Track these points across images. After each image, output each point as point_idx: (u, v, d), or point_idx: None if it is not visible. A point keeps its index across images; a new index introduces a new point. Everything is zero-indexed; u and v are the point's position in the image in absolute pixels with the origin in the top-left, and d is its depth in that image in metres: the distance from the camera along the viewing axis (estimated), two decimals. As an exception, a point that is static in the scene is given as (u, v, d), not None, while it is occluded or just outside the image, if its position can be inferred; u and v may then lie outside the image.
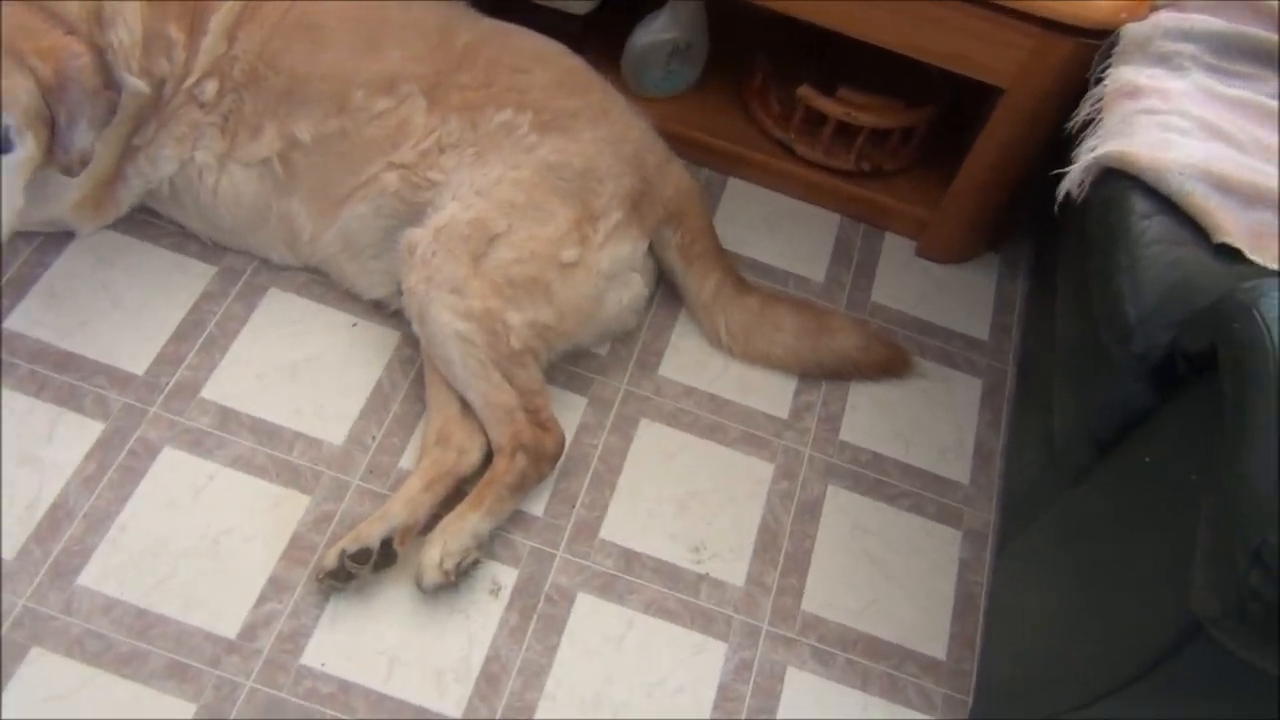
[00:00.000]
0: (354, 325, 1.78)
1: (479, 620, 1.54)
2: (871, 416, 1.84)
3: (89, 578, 1.48)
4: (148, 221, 1.81)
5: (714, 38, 2.06)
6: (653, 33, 1.99)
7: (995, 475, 1.80)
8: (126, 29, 1.60)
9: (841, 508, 1.73)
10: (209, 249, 1.81)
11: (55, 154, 1.53)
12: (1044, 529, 1.49)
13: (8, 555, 1.47)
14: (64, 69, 1.48)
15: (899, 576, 1.68)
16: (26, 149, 1.49)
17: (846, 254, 2.05)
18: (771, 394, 1.84)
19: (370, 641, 1.50)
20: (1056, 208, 1.43)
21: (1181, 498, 1.05)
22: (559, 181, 1.68)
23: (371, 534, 1.51)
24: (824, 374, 1.87)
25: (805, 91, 1.96)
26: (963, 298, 2.03)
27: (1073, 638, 1.29)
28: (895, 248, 2.08)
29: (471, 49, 1.73)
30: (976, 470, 1.82)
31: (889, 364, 1.88)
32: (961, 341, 1.97)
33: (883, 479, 1.78)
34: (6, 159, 1.47)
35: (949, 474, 1.80)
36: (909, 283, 2.04)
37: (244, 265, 1.80)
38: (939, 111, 2.00)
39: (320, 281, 1.81)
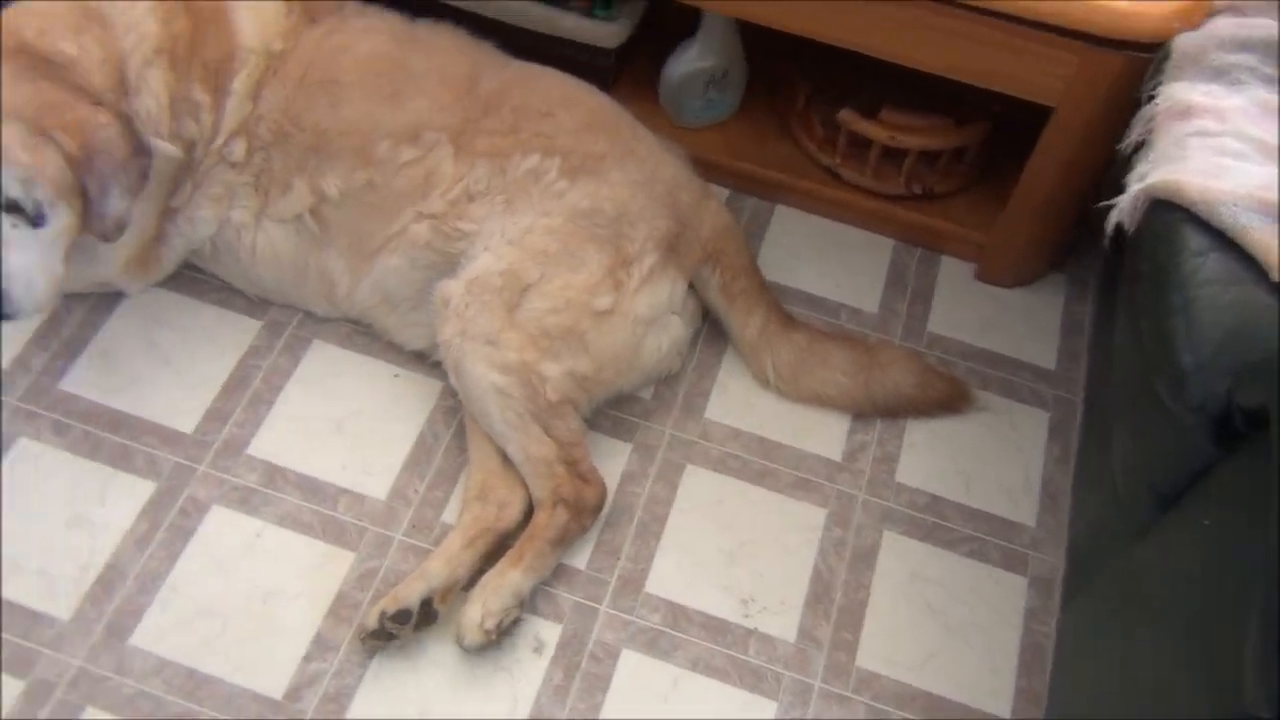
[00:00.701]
0: (396, 376, 1.78)
1: (522, 678, 1.52)
2: (930, 456, 1.77)
3: (141, 638, 1.50)
4: (194, 278, 1.84)
5: (752, 62, 2.01)
6: (687, 62, 1.94)
7: (1064, 517, 1.71)
8: (152, 95, 1.62)
9: (898, 555, 1.66)
10: (254, 303, 1.82)
11: (91, 222, 1.55)
12: (1111, 580, 1.40)
13: (64, 616, 1.51)
14: (91, 140, 1.49)
15: (960, 628, 1.60)
16: (61, 220, 1.51)
17: (901, 281, 1.98)
18: (823, 435, 1.77)
19: (414, 701, 1.49)
20: (1107, 240, 1.34)
21: (1240, 571, 0.96)
22: (591, 227, 1.65)
23: (411, 594, 1.50)
24: (878, 412, 1.80)
25: (846, 116, 1.89)
26: (1027, 323, 1.94)
27: (1137, 706, 1.21)
28: (953, 272, 1.99)
29: (497, 94, 1.71)
30: (1044, 511, 1.73)
31: (947, 399, 1.80)
32: (1027, 371, 1.88)
33: (942, 523, 1.70)
34: (42, 232, 1.50)
35: (1014, 516, 1.72)
36: (968, 309, 1.95)
37: (288, 318, 1.82)
38: (990, 129, 1.91)
39: (363, 332, 1.81)
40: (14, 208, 1.46)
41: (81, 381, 1.72)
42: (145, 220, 1.68)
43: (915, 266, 2.00)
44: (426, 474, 1.69)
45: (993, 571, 1.66)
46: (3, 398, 1.68)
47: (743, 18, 1.76)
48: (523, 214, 1.65)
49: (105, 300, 1.80)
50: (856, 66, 1.81)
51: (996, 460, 1.77)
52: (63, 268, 1.55)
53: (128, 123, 1.55)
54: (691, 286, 1.77)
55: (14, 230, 1.47)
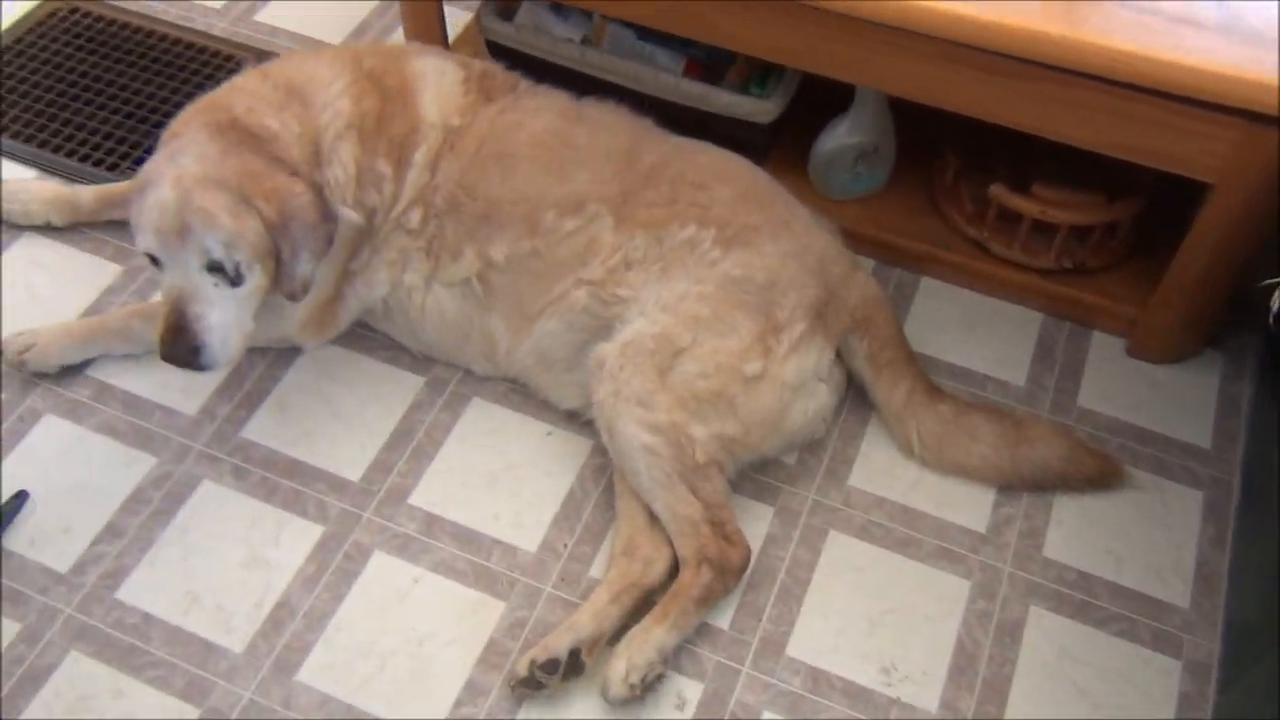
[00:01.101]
0: (549, 434, 1.85)
1: (664, 734, 1.55)
2: (1078, 531, 1.74)
3: (306, 674, 1.59)
4: (364, 335, 1.96)
5: (901, 136, 2.05)
6: (838, 138, 2.00)
7: (1219, 600, 1.66)
8: (341, 166, 1.75)
9: (1045, 631, 1.64)
10: (419, 360, 1.93)
11: (281, 282, 1.68)
12: (1273, 668, 1.36)
13: (237, 649, 1.61)
14: (287, 208, 1.63)
15: (1109, 710, 1.56)
16: (255, 280, 1.65)
17: (1050, 355, 1.97)
18: (968, 506, 1.77)
19: (558, 751, 1.54)
20: (1272, 319, 1.32)
21: None
22: (742, 295, 1.70)
23: (560, 645, 1.56)
24: (1025, 485, 1.79)
25: (997, 191, 1.91)
26: (1181, 400, 1.90)
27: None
28: (1104, 347, 1.97)
29: (656, 168, 1.80)
30: (1198, 593, 1.68)
31: (1097, 475, 1.78)
32: (1180, 449, 1.84)
33: (1091, 600, 1.67)
34: (238, 291, 1.64)
35: (1166, 596, 1.67)
36: (1120, 385, 1.92)
37: (450, 376, 1.92)
38: (1144, 204, 1.90)
39: (519, 391, 1.90)
40: (217, 268, 1.60)
41: (261, 430, 1.85)
42: (325, 282, 1.81)
43: (1064, 341, 1.98)
44: (575, 529, 1.75)
45: (1144, 653, 1.62)
46: (191, 443, 1.83)
47: (900, 95, 1.80)
48: (677, 281, 1.72)
49: (283, 355, 1.94)
50: (1007, 141, 1.83)
51: (1147, 539, 1.73)
52: (252, 324, 1.69)
53: (319, 191, 1.68)
54: (838, 355, 1.81)
55: (215, 289, 1.61)
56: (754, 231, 1.74)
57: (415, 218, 1.80)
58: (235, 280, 1.62)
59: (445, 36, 2.16)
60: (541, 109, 1.84)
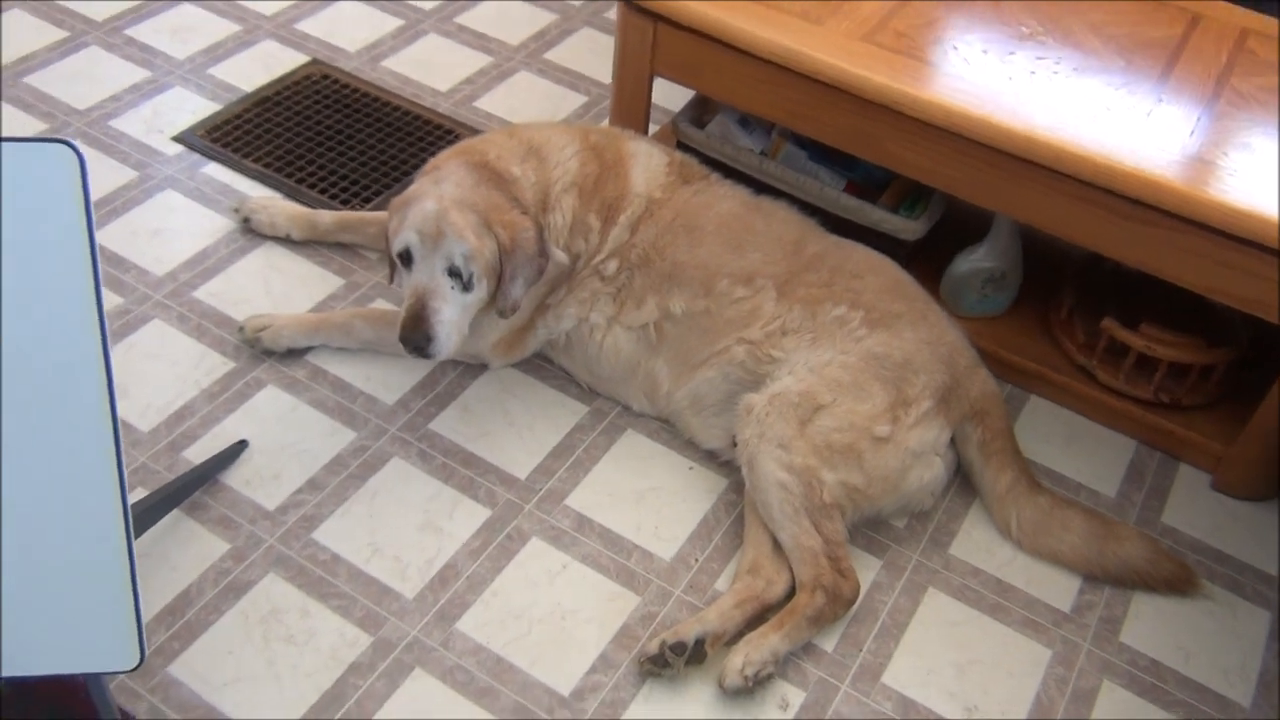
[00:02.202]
0: (690, 468, 2.12)
1: (766, 729, 1.76)
2: (1154, 624, 1.94)
3: (464, 625, 1.84)
4: (540, 365, 2.27)
5: (1027, 268, 2.34)
6: (972, 261, 2.31)
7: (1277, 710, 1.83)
8: (561, 214, 2.10)
9: (1115, 703, 1.82)
10: (584, 392, 2.23)
11: (497, 300, 2.02)
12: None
13: (408, 595, 1.87)
14: (517, 238, 1.97)
15: (1169, 776, 1.73)
16: (479, 293, 1.99)
17: (1139, 477, 2.19)
18: (1055, 588, 1.98)
19: (672, 727, 1.75)
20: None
21: None
22: (880, 369, 1.98)
23: (689, 632, 1.79)
24: (1108, 579, 1.99)
25: (1109, 324, 2.18)
26: (1258, 533, 2.10)
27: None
28: (1189, 477, 2.19)
29: (818, 256, 2.12)
30: (1260, 698, 1.85)
31: (1175, 580, 1.98)
32: (1254, 574, 2.04)
33: (1160, 685, 1.85)
34: (466, 297, 1.97)
35: (1230, 694, 1.85)
36: (1201, 511, 2.14)
37: (610, 408, 2.21)
38: (1239, 350, 2.16)
39: (667, 429, 2.18)
40: (455, 274, 1.94)
41: (446, 425, 2.15)
42: (523, 310, 2.14)
43: (1154, 467, 2.21)
44: (706, 548, 1.99)
45: (1206, 738, 1.79)
46: (387, 426, 2.13)
47: (1036, 226, 2.10)
48: (825, 350, 2.01)
49: (472, 369, 2.25)
50: (1121, 281, 2.11)
51: (1216, 642, 1.92)
52: (467, 330, 2.02)
53: (541, 231, 2.03)
54: (952, 441, 2.06)
55: (451, 291, 1.95)
56: (896, 318, 2.03)
57: (611, 267, 2.13)
58: (467, 287, 1.95)
59: (646, 133, 2.54)
60: (728, 196, 2.19)
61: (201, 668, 1.75)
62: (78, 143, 1.25)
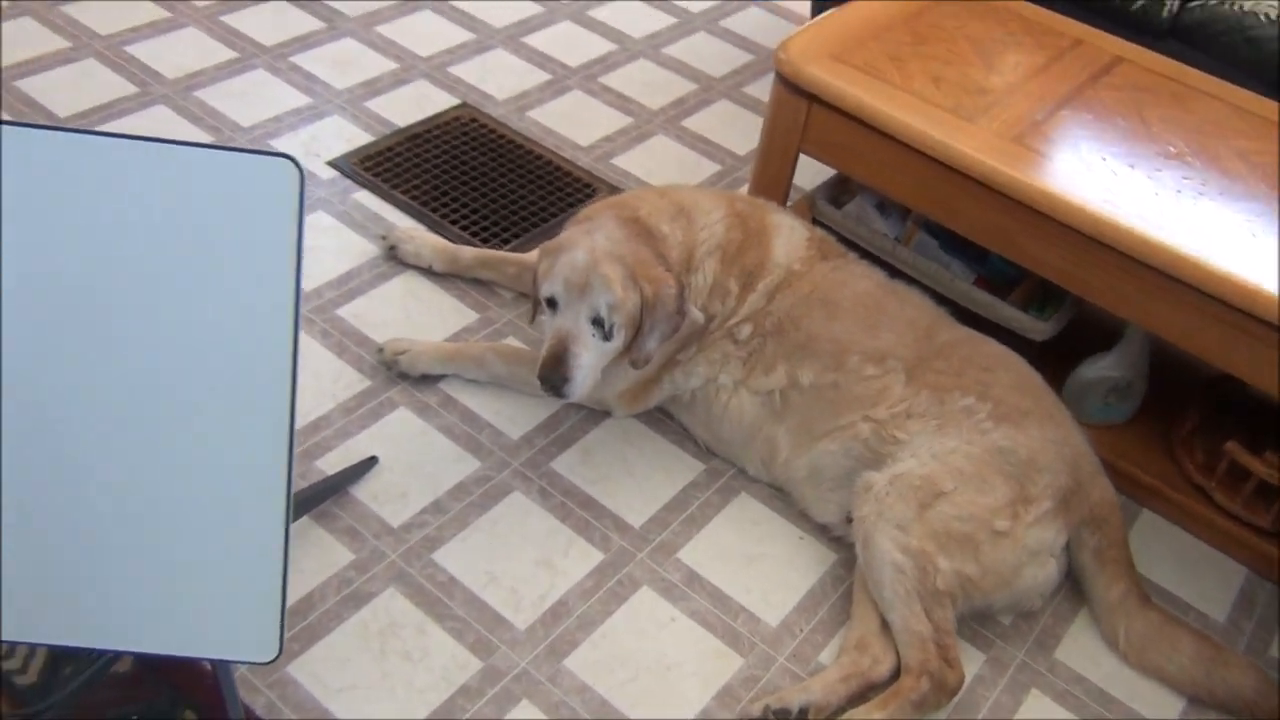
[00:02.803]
0: (800, 538, 2.15)
1: (860, 808, 1.76)
2: (1259, 756, 1.91)
3: (572, 663, 1.87)
4: (659, 419, 2.33)
5: (1152, 380, 2.35)
6: (1099, 369, 2.32)
7: None
8: (704, 276, 2.17)
9: (1217, 829, 1.80)
10: (700, 451, 2.28)
11: (631, 350, 2.08)
12: None
13: (520, 626, 1.91)
14: (660, 293, 2.04)
15: None
16: (617, 342, 2.05)
17: (1249, 604, 2.17)
18: (1158, 705, 1.96)
19: (766, 793, 1.76)
20: None
21: None
22: (1004, 464, 2.00)
23: (793, 700, 1.80)
24: (1214, 704, 1.97)
25: (1234, 447, 2.18)
26: (1370, 677, 2.07)
27: None
28: (1303, 611, 2.17)
29: (949, 345, 2.15)
30: (1367, 845, 1.81)
31: (1283, 715, 1.95)
32: (1363, 718, 2.00)
33: (1263, 817, 1.82)
34: (605, 345, 2.04)
35: (1336, 837, 1.81)
36: (1313, 648, 2.11)
37: (725, 470, 2.25)
38: (1368, 493, 2.14)
39: (779, 497, 2.21)
40: (598, 322, 2.01)
41: (566, 465, 2.21)
42: (653, 363, 2.20)
43: (1265, 597, 2.18)
44: (812, 620, 2.01)
45: None
46: (510, 460, 2.19)
47: (1167, 339, 2.12)
48: (950, 438, 2.03)
49: (594, 415, 2.31)
50: (1248, 404, 2.11)
51: (1326, 784, 1.88)
52: (599, 376, 2.09)
53: (682, 289, 2.09)
54: (1067, 546, 2.06)
55: (591, 338, 2.02)
56: (1024, 415, 2.05)
57: (745, 332, 2.18)
58: (608, 336, 2.02)
59: (785, 206, 2.61)
60: (864, 276, 2.24)
61: (319, 671, 1.81)
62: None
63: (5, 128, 1.31)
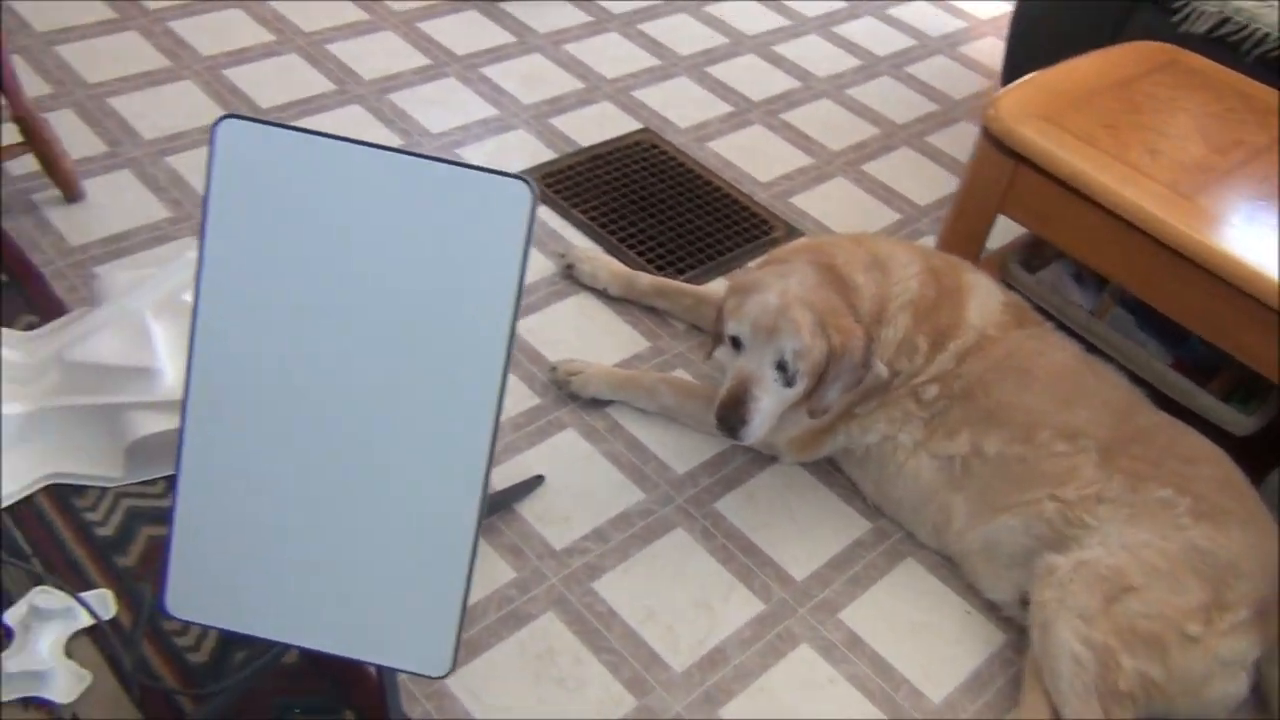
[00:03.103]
0: (967, 613, 2.06)
1: None
2: None
3: (728, 713, 1.83)
4: (827, 470, 2.27)
5: (1363, 495, 2.20)
6: (1305, 473, 2.18)
7: None
8: (893, 330, 2.11)
9: None
10: (868, 509, 2.21)
11: (811, 398, 2.03)
12: None
13: (677, 668, 1.88)
14: (848, 344, 1.99)
15: None
16: (798, 389, 2.01)
17: None
18: (1352, 844, 1.82)
19: None
20: None
21: None
22: (1201, 565, 1.88)
23: (958, 785, 1.73)
24: None
25: None
26: None
27: None
28: None
29: (1147, 431, 2.04)
30: None
31: None
32: None
33: None
34: (786, 391, 2.00)
35: None
36: None
37: (893, 531, 2.18)
38: None
39: (947, 567, 2.13)
40: (782, 367, 1.97)
41: (730, 507, 2.17)
42: (829, 414, 2.15)
43: None
44: (976, 701, 1.92)
45: None
46: (674, 495, 2.17)
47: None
48: (1142, 530, 1.92)
49: (761, 459, 2.27)
50: None
51: None
52: (775, 421, 2.04)
53: (869, 343, 2.04)
54: (1258, 661, 1.93)
55: (773, 383, 1.98)
56: (1227, 515, 1.93)
57: (931, 392, 2.11)
58: (790, 382, 1.98)
59: (976, 265, 2.54)
60: (1062, 347, 2.15)
61: (476, 688, 1.80)
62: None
63: (287, 132, 1.36)
